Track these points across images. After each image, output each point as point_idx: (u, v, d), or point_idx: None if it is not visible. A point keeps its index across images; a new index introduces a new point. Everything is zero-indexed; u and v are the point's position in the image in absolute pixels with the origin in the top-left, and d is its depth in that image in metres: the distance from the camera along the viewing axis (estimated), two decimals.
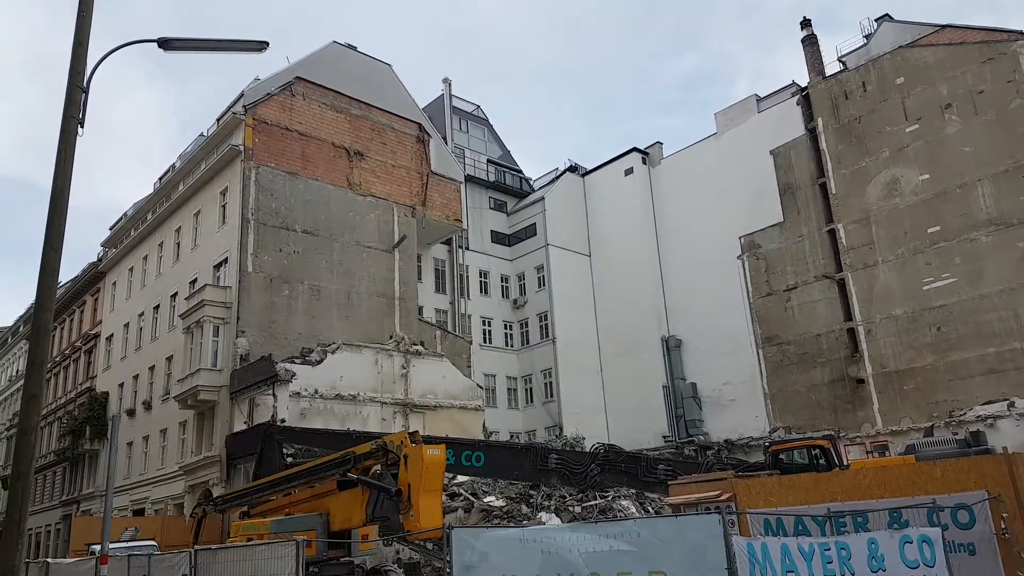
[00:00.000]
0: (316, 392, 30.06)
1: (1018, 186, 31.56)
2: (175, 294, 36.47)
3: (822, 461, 20.62)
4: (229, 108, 35.52)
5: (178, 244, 38.06)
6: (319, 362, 31.03)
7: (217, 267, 33.18)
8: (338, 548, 16.56)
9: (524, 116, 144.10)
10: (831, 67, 40.43)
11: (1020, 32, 33.49)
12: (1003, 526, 10.19)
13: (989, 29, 34.67)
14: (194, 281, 34.60)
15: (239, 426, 29.29)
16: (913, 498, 10.63)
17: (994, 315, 31.98)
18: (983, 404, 31.52)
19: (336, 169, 35.55)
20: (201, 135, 40.25)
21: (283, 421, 27.70)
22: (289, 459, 24.71)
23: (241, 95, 34.08)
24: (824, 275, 38.26)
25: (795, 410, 38.20)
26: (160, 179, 43.69)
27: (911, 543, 9.29)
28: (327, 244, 34.21)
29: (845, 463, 22.33)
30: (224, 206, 33.68)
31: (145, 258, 41.39)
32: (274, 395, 28.31)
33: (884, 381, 35.12)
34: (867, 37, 39.17)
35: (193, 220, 36.59)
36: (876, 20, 39.16)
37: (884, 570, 8.91)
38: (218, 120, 36.60)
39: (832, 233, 38.32)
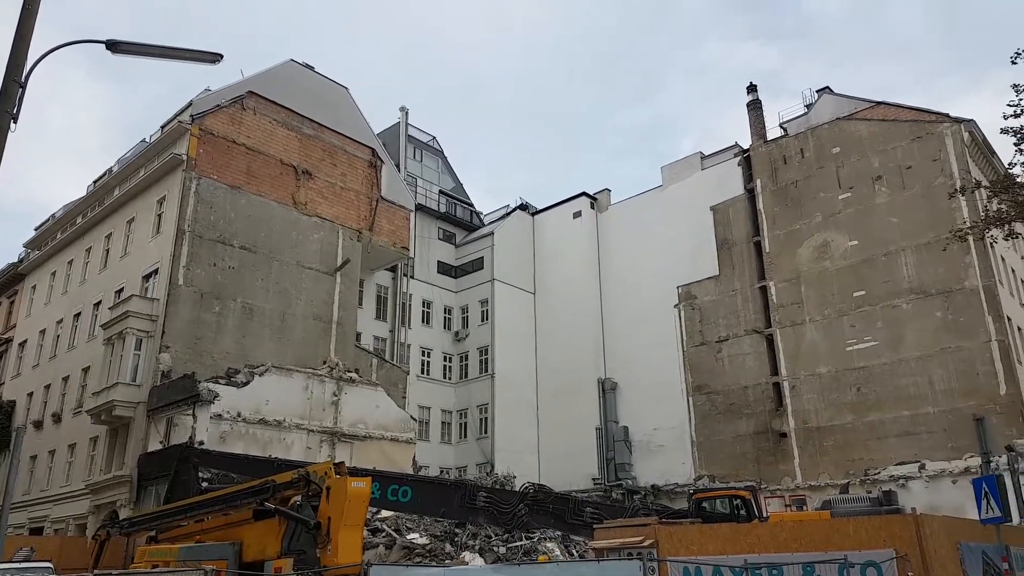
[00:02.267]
0: (239, 415, 29.02)
1: (938, 258, 33.22)
2: (99, 303, 35.03)
3: (743, 511, 21.04)
4: (175, 116, 34.78)
5: (107, 251, 36.70)
6: (245, 384, 30.07)
7: (146, 278, 32.06)
8: None
9: (479, 151, 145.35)
10: (773, 132, 42.23)
11: (946, 115, 35.63)
12: None
13: (919, 109, 36.79)
14: (120, 291, 33.33)
15: (154, 446, 27.95)
16: (826, 553, 10.93)
17: (910, 379, 33.38)
18: (896, 464, 32.66)
19: (282, 186, 35.03)
20: (143, 141, 39.21)
21: (201, 443, 26.69)
22: (205, 484, 23.80)
23: (189, 104, 33.45)
24: (754, 330, 39.36)
25: (720, 459, 38.88)
26: (95, 182, 42.24)
27: None
28: (265, 262, 33.49)
29: (765, 515, 22.85)
30: (160, 215, 32.71)
31: (70, 263, 39.74)
32: (194, 416, 27.25)
33: (805, 436, 36.11)
34: (808, 106, 41.05)
35: (126, 227, 35.39)
36: (818, 91, 41.11)
37: None
38: (163, 127, 35.76)
39: (764, 290, 39.58)
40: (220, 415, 28.19)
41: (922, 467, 31.92)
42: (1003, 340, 31.52)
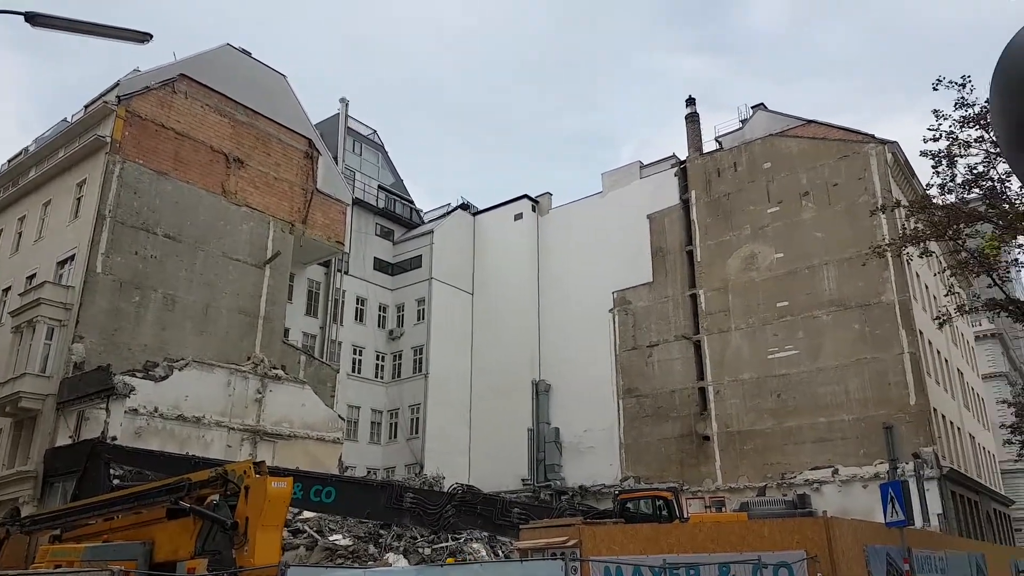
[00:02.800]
0: (156, 411, 27.95)
1: (858, 273, 34.58)
2: (8, 288, 33.23)
3: (665, 512, 21.50)
4: (100, 96, 33.28)
5: (20, 234, 34.88)
6: (163, 378, 28.96)
7: (61, 264, 30.59)
8: None
9: (421, 149, 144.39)
10: (709, 144, 43.27)
11: (872, 136, 37.13)
12: None
13: (847, 129, 38.22)
14: (32, 276, 31.71)
15: (63, 440, 26.62)
16: (741, 554, 11.23)
17: (828, 388, 34.67)
18: (812, 469, 33.88)
19: (212, 174, 33.91)
20: (64, 120, 37.48)
21: (114, 439, 25.62)
22: (116, 481, 22.89)
23: (116, 84, 32.11)
24: (683, 336, 40.24)
25: (646, 461, 39.58)
26: (9, 162, 40.12)
27: None
28: (190, 251, 32.34)
29: (685, 515, 23.37)
30: (79, 199, 31.25)
31: None
32: (108, 410, 26.09)
33: (727, 440, 37.10)
34: (743, 121, 42.22)
35: (41, 210, 33.71)
36: (753, 107, 42.31)
37: None
38: (86, 107, 34.21)
39: (694, 297, 40.51)
40: (136, 410, 27.11)
41: (835, 472, 33.20)
42: (915, 353, 33.03)
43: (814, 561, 11.10)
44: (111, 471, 23.70)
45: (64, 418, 27.09)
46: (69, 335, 28.23)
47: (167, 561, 15.15)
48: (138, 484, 19.89)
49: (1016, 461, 49.23)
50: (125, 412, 26.66)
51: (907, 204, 21.19)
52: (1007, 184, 16.98)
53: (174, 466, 22.51)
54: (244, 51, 37.27)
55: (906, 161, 37.69)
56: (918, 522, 16.83)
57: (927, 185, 19.26)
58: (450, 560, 22.47)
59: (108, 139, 30.41)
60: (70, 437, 26.58)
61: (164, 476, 18.55)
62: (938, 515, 29.99)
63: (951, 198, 18.07)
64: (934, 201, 18.95)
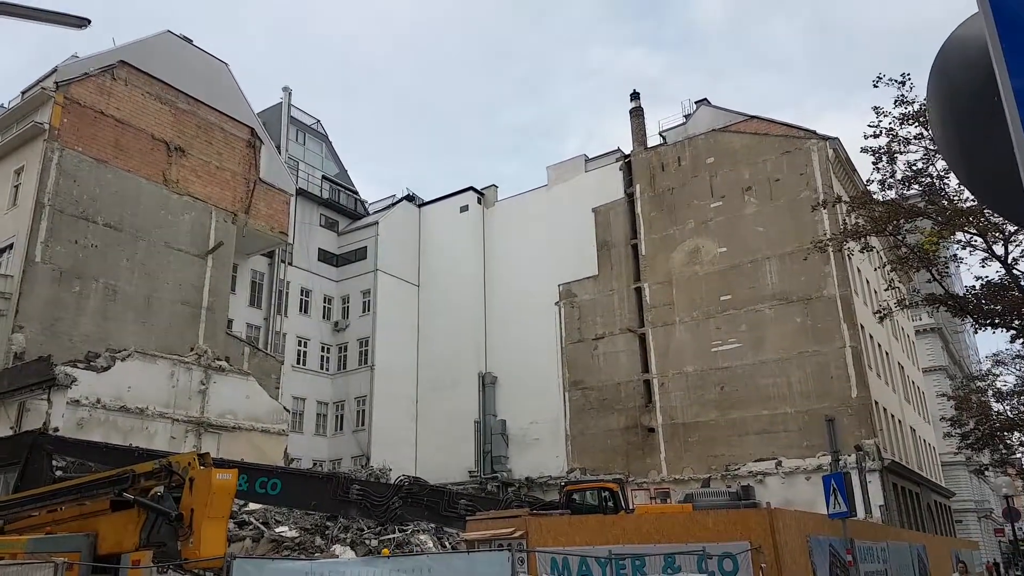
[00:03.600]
0: (98, 402, 27.44)
1: (800, 267, 35.52)
2: None
3: (611, 503, 21.83)
4: (38, 82, 32.13)
5: None
6: (105, 369, 28.34)
7: (0, 252, 29.67)
8: (105, 573, 15.09)
9: (366, 138, 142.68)
10: (653, 139, 43.91)
11: (813, 132, 38.15)
12: (761, 574, 11.22)
13: (789, 125, 39.23)
14: None
15: (3, 431, 25.94)
16: (686, 544, 11.45)
17: (770, 380, 35.56)
18: (755, 461, 34.76)
19: (152, 163, 33.10)
20: (0, 106, 36.01)
21: (56, 430, 24.96)
22: (59, 472, 22.29)
23: (54, 70, 31.00)
24: (628, 328, 40.83)
25: (592, 453, 40.09)
26: None
27: None
28: (131, 241, 31.57)
29: (631, 507, 23.76)
30: (17, 187, 30.31)
31: None
32: (49, 401, 25.54)
33: (672, 432, 37.82)
34: (687, 116, 42.98)
35: None
36: (696, 102, 43.10)
37: None
38: (23, 93, 32.98)
39: (639, 291, 41.13)
40: (78, 401, 26.58)
41: (779, 464, 34.09)
42: (856, 346, 33.98)
43: (758, 552, 11.34)
44: (53, 462, 23.06)
45: (4, 409, 26.38)
46: (8, 325, 27.40)
47: (111, 553, 14.88)
48: (81, 476, 19.41)
49: (956, 454, 51.24)
50: (67, 403, 26.06)
51: (848, 200, 21.82)
52: (946, 181, 17.53)
53: (118, 457, 21.99)
54: (185, 38, 36.39)
55: (847, 157, 38.74)
56: (860, 513, 17.44)
57: (867, 181, 19.88)
58: (385, 552, 22.50)
59: (46, 126, 29.48)
60: (11, 428, 25.91)
61: (108, 468, 18.14)
62: (880, 507, 30.75)
63: (891, 194, 18.66)
64: (874, 197, 19.55)
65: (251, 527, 25.51)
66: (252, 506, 26.64)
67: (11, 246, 29.21)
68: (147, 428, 28.83)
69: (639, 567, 11.08)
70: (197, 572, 20.87)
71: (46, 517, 16.57)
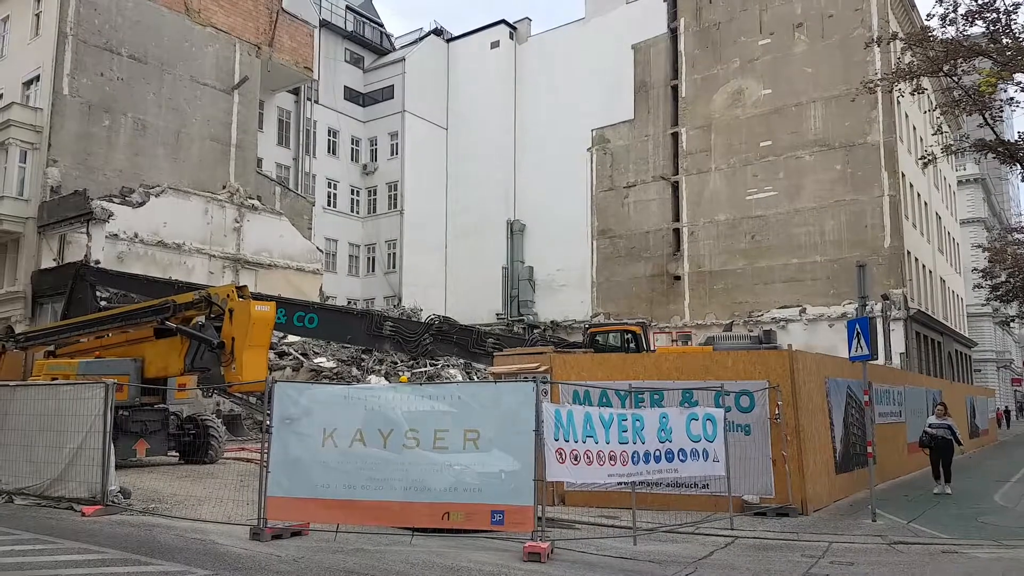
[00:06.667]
0: (136, 236, 28.30)
1: (845, 111, 33.96)
2: None
3: (632, 345, 22.43)
4: None
5: None
6: (141, 204, 28.94)
7: (27, 84, 29.53)
8: (153, 395, 16.14)
9: None
10: None
11: None
12: (777, 412, 11.58)
13: None
14: None
15: (48, 263, 27.09)
16: (705, 382, 11.79)
17: (803, 229, 35.09)
18: (780, 308, 35.08)
19: None
20: None
21: (97, 263, 25.93)
22: (103, 303, 23.35)
23: None
24: (662, 176, 40.04)
25: (617, 299, 40.70)
26: None
27: (696, 420, 10.45)
28: (156, 74, 31.02)
29: (652, 348, 24.43)
30: (39, 15, 29.58)
31: None
32: (88, 234, 26.29)
33: (698, 279, 38.02)
34: None
35: (0, 26, 31.87)
36: None
37: (670, 441, 10.00)
38: None
39: (675, 136, 39.87)
40: (116, 235, 27.45)
41: (803, 311, 34.39)
42: (894, 195, 33.06)
43: (775, 390, 11.62)
44: (97, 293, 24.09)
45: (46, 241, 27.33)
46: (43, 159, 27.72)
47: (158, 377, 15.83)
48: (125, 305, 20.30)
49: (983, 305, 51.49)
50: (106, 237, 26.91)
51: (904, 37, 20.46)
52: (1013, 16, 16.35)
53: (158, 289, 22.89)
54: None
55: None
56: (880, 360, 17.65)
57: (927, 16, 18.47)
58: (403, 378, 23.61)
59: None
60: (54, 260, 26.97)
61: (149, 299, 18.88)
62: (900, 354, 31.30)
63: (951, 31, 17.42)
64: (931, 34, 18.29)
65: (291, 357, 26.84)
66: (291, 338, 27.89)
67: (37, 78, 28.96)
68: (185, 263, 29.75)
69: (657, 401, 11.48)
70: (241, 395, 22.31)
71: (93, 343, 17.52)
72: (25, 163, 27.80)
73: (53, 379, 14.89)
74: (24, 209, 27.60)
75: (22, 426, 11.87)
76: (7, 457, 11.96)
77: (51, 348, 18.55)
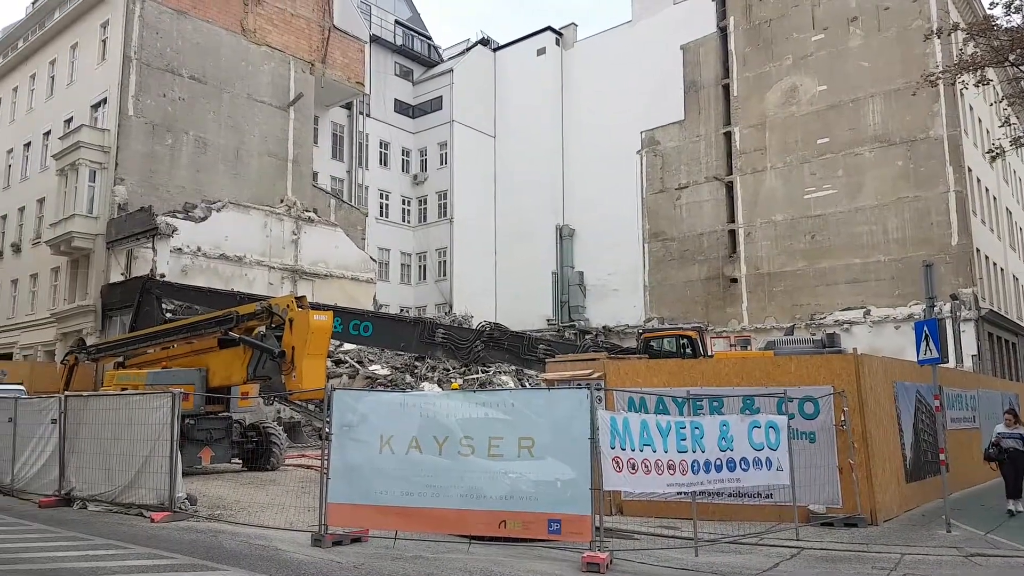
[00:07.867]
0: (199, 250, 29.24)
1: (905, 106, 32.91)
2: (48, 132, 33.82)
3: (688, 350, 21.87)
4: None
5: (52, 78, 34.91)
6: (203, 219, 29.88)
7: (95, 107, 31.00)
8: (217, 403, 16.57)
9: None
10: None
11: None
12: (843, 418, 11.15)
13: None
14: (69, 120, 32.22)
15: (116, 277, 28.28)
16: (766, 388, 11.38)
17: (865, 228, 34.04)
18: (843, 310, 34.06)
19: (229, 12, 32.96)
20: None
21: (163, 276, 26.87)
22: (168, 315, 24.10)
23: None
24: (715, 176, 39.42)
25: (671, 303, 40.14)
26: (33, 3, 39.25)
27: (759, 428, 10.12)
28: (215, 94, 32.11)
29: (710, 353, 23.85)
30: (105, 41, 31.05)
31: (15, 90, 37.92)
32: (154, 249, 27.33)
33: (755, 282, 37.25)
34: None
35: (69, 53, 33.64)
36: None
37: (731, 449, 9.68)
38: None
39: (728, 136, 39.23)
40: (180, 249, 28.43)
41: (867, 312, 33.30)
42: (960, 191, 31.81)
43: (841, 396, 11.19)
44: (163, 305, 24.92)
45: (115, 256, 28.56)
46: (110, 177, 29.02)
47: (222, 386, 16.27)
48: (189, 317, 20.93)
49: None
50: (170, 251, 27.97)
51: (966, 27, 19.69)
52: None
53: (221, 301, 23.51)
54: None
55: None
56: (951, 362, 16.82)
57: (991, 4, 17.76)
58: (455, 385, 23.70)
59: None
60: (122, 274, 28.12)
61: (212, 310, 19.42)
62: (972, 356, 29.79)
63: (1016, 19, 16.72)
64: (997, 23, 17.56)
65: (347, 365, 27.28)
66: (347, 346, 28.34)
67: (105, 100, 30.29)
68: (246, 275, 30.59)
69: (716, 408, 11.16)
70: (301, 403, 22.73)
71: (160, 354, 18.11)
72: (94, 182, 29.11)
73: (123, 389, 15.42)
74: (94, 226, 28.91)
75: (95, 435, 12.30)
76: (81, 465, 12.42)
77: (120, 359, 19.23)
